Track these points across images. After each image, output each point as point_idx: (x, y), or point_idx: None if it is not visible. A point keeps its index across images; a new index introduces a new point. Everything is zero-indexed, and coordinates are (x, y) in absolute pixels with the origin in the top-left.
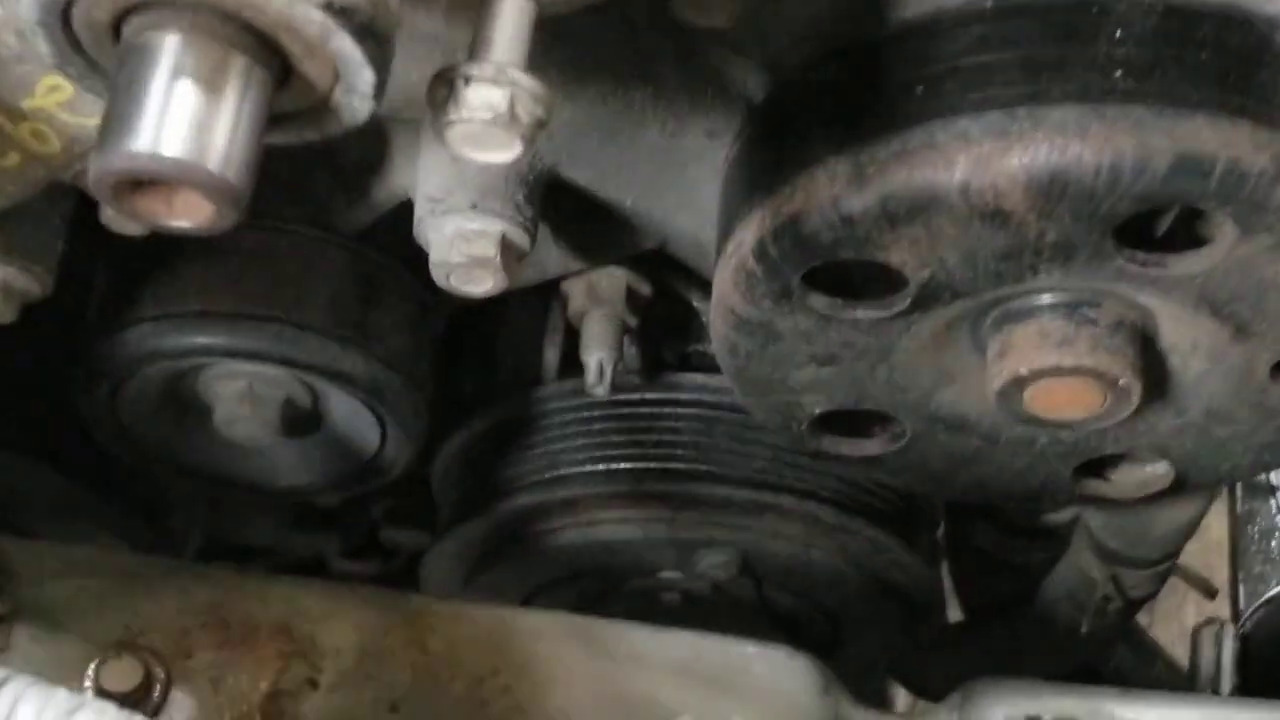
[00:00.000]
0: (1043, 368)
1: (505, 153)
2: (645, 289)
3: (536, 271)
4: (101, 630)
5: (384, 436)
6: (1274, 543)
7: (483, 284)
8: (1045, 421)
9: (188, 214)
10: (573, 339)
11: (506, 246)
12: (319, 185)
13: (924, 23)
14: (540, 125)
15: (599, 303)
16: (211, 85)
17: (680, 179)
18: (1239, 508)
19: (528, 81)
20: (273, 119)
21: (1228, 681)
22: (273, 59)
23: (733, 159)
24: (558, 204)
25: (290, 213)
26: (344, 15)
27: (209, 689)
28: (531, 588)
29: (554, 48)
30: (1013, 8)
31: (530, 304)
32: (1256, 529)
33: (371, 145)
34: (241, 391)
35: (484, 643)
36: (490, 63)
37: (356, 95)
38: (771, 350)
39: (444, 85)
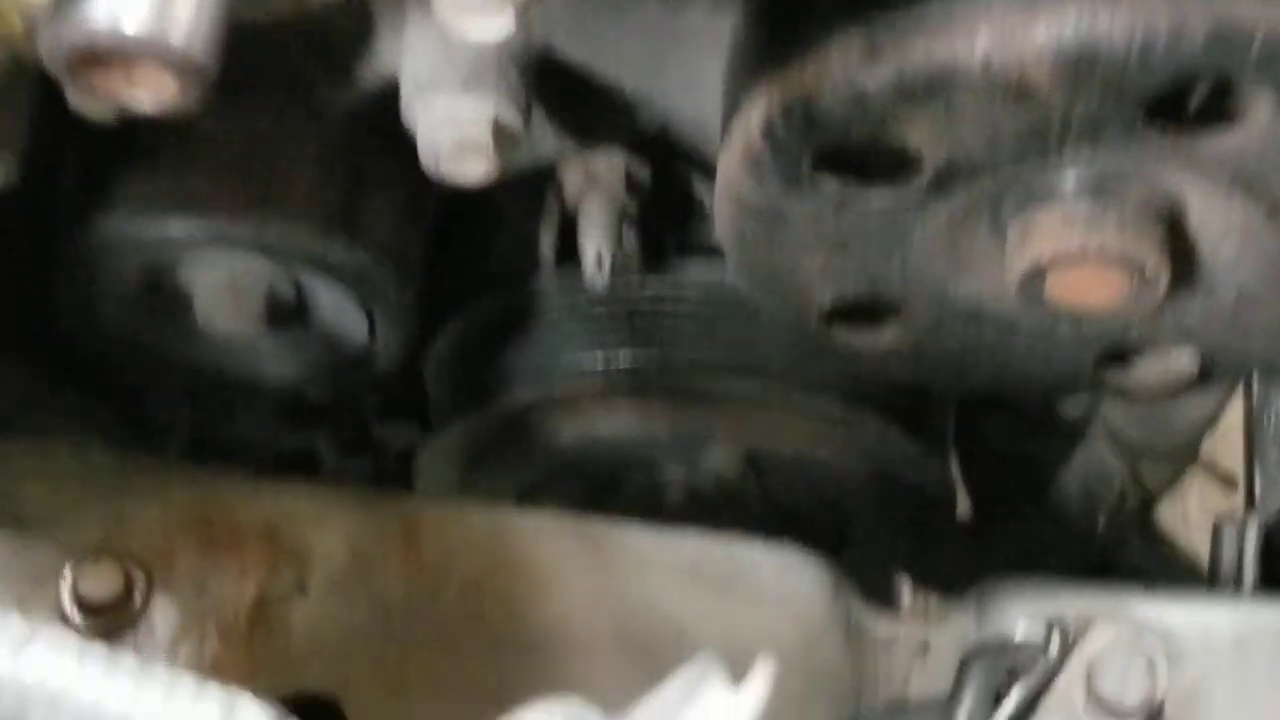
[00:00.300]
0: (1067, 251)
1: (496, 23)
2: (645, 174)
3: (530, 156)
4: (78, 535)
5: (372, 329)
6: None
7: (474, 169)
8: (1068, 311)
9: (149, 90)
10: (570, 227)
11: (499, 129)
12: (302, 66)
13: None
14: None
15: (597, 188)
16: None
17: (682, 57)
18: (1255, 392)
19: None
20: None
21: (1250, 577)
22: None
23: (738, 34)
24: (552, 84)
25: (272, 96)
26: None
27: (192, 595)
28: (528, 486)
29: None
30: None
31: (525, 190)
32: (1275, 414)
33: (356, 22)
34: (222, 282)
35: (480, 546)
36: None
37: None
38: (780, 237)
39: None
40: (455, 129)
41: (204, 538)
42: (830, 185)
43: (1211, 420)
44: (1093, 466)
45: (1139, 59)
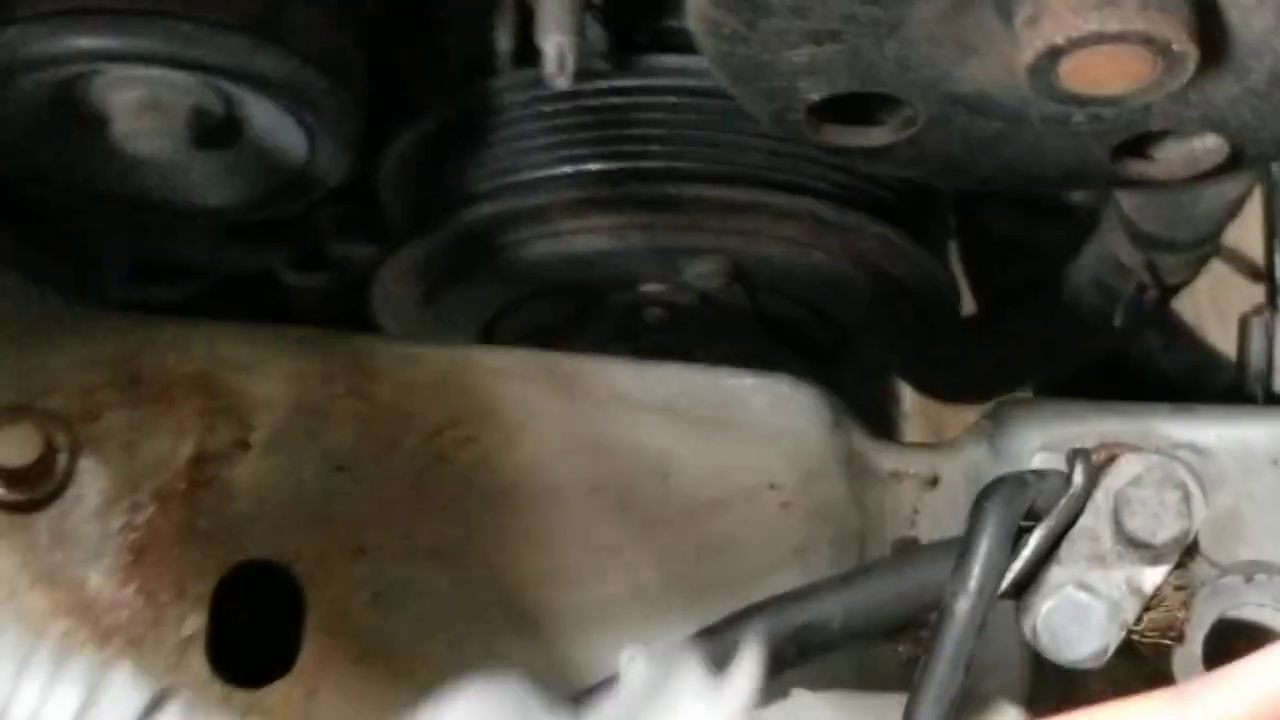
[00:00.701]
0: (1083, 35)
1: None
2: None
3: None
4: None
5: (313, 144)
6: None
7: None
8: (1085, 98)
9: None
10: (528, 20)
11: None
12: None
13: None
14: None
15: None
16: None
17: None
18: (1275, 178)
19: None
20: None
21: None
22: None
23: None
24: None
25: None
26: None
27: (123, 456)
28: (498, 306)
29: None
30: None
31: None
32: None
33: None
34: (141, 100)
35: (440, 388)
36: None
37: None
38: (761, 28)
39: None
40: None
41: (132, 392)
42: None
43: (1235, 209)
44: (1106, 259)
45: None
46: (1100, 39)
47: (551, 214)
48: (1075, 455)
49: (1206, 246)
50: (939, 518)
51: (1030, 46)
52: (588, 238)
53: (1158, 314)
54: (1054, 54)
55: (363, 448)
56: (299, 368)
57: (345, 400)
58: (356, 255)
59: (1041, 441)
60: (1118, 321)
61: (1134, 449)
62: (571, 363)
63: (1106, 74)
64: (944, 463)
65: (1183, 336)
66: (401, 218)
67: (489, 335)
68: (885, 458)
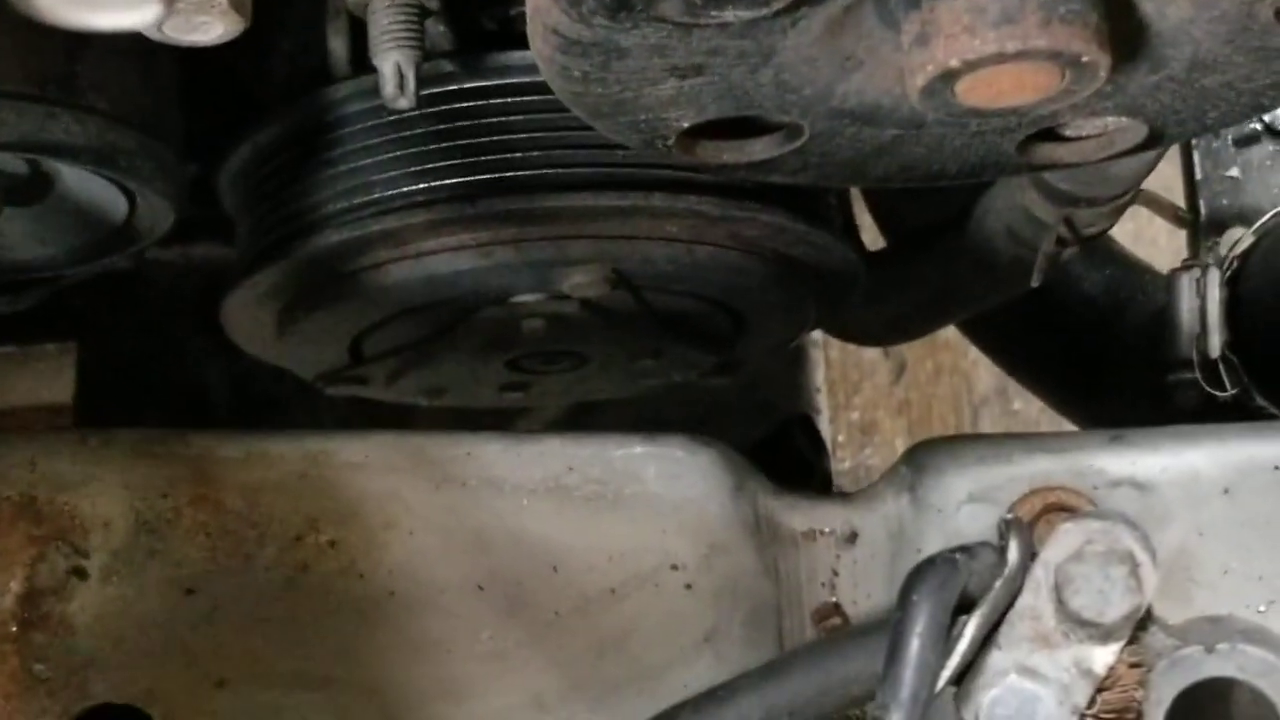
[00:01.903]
0: (980, 57)
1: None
2: None
3: None
4: None
5: (132, 200)
6: (1233, 148)
7: (211, 30)
8: (986, 112)
9: None
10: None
11: None
12: None
13: None
14: None
15: None
16: None
17: None
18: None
19: None
20: None
21: (1216, 340)
22: None
23: None
24: None
25: None
26: None
27: None
28: (362, 326)
29: None
30: None
31: None
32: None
33: None
34: None
35: (293, 489)
36: None
37: None
38: (616, 70)
39: None
40: None
41: None
42: (671, 7)
43: (1154, 162)
44: (1018, 209)
45: None
46: (1000, 59)
47: (406, 236)
48: (1008, 526)
49: (1125, 197)
50: (860, 578)
51: (921, 70)
52: (448, 257)
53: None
54: (948, 77)
55: (213, 565)
56: (135, 479)
57: (189, 511)
58: (208, 255)
59: (968, 491)
60: (1035, 280)
61: (1070, 497)
62: (438, 447)
63: (1009, 89)
64: (862, 517)
65: (1102, 252)
66: (248, 233)
67: (356, 350)
68: (797, 517)
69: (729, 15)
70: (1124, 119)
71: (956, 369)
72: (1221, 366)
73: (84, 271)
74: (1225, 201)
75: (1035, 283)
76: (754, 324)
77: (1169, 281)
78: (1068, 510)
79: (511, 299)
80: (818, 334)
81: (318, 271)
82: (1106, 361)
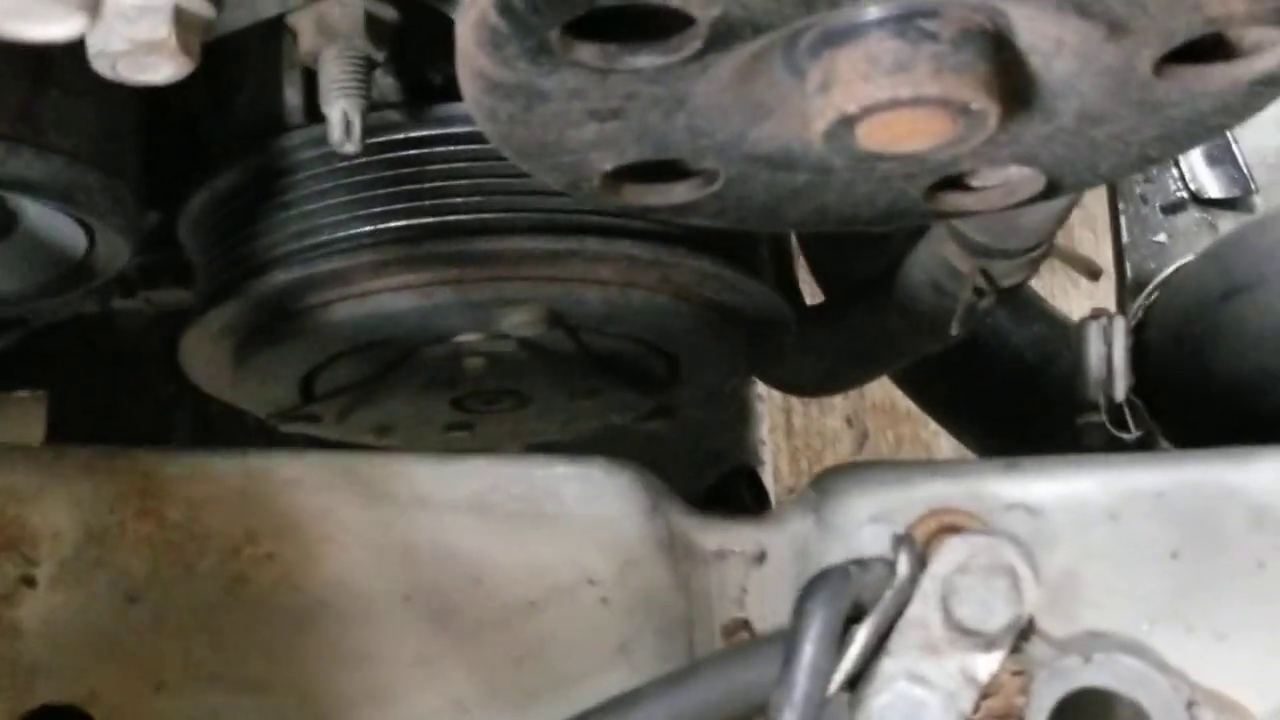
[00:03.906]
0: (876, 102)
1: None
2: (389, 12)
3: (248, 13)
4: None
5: (91, 236)
6: (1160, 214)
7: (159, 70)
8: (886, 155)
9: None
10: (316, 78)
11: (183, 21)
12: None
13: None
14: None
15: (333, 39)
16: None
17: None
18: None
19: None
20: None
21: (1121, 384)
22: None
23: None
24: None
25: None
26: None
27: None
28: (312, 363)
29: None
30: None
31: (261, 42)
32: (1139, 201)
33: None
34: None
35: (233, 503)
36: None
37: None
38: (539, 112)
39: None
40: (127, 29)
41: None
42: (588, 53)
43: (1063, 216)
44: (940, 262)
45: None
46: (894, 104)
47: (353, 276)
48: (899, 542)
49: (1038, 250)
50: (768, 595)
51: (822, 115)
52: (392, 297)
53: (994, 312)
54: (847, 121)
55: (156, 574)
56: (83, 493)
57: (134, 524)
58: (168, 299)
59: (869, 512)
60: (955, 329)
61: (963, 519)
62: (370, 466)
63: (905, 134)
64: (770, 538)
65: (1030, 309)
66: (206, 274)
67: (308, 389)
68: (709, 536)
69: (642, 61)
70: (1025, 169)
71: (917, 439)
72: (1126, 410)
73: (47, 308)
74: (1152, 265)
75: (955, 331)
76: (687, 367)
77: (1078, 330)
78: (961, 531)
79: (454, 338)
80: (764, 390)
81: (269, 309)
82: (1033, 412)
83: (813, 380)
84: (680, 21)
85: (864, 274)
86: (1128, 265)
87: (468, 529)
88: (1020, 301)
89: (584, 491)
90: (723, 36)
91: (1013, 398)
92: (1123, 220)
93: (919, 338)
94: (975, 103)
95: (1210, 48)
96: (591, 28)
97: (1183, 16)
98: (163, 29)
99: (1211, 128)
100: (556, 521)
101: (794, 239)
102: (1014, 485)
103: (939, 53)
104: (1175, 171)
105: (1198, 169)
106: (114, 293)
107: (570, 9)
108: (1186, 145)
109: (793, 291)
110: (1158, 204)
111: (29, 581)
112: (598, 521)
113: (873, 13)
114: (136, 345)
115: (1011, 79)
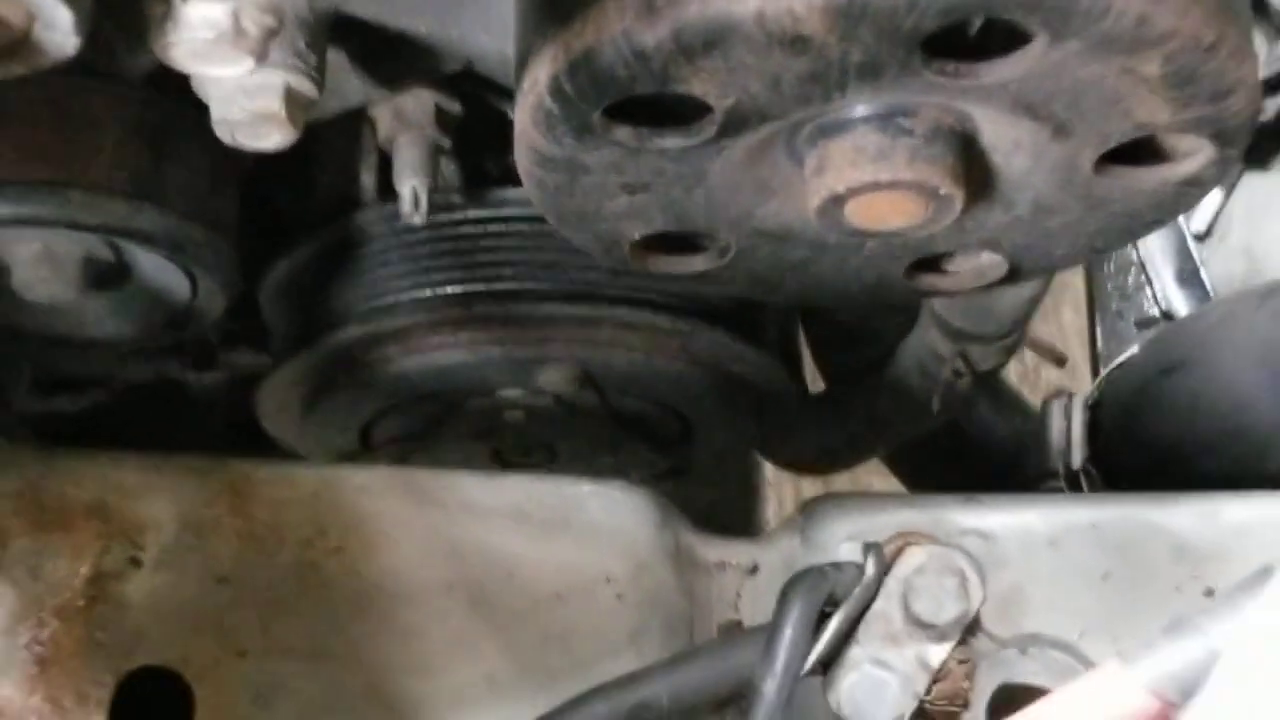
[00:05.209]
0: (860, 184)
1: (235, 68)
2: (455, 107)
3: (339, 102)
4: None
5: (194, 285)
6: (1134, 328)
7: (269, 138)
8: (869, 232)
9: None
10: (390, 160)
11: (291, 98)
12: (97, 31)
13: None
14: (272, 34)
15: (407, 127)
16: None
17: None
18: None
19: None
20: None
21: (1078, 454)
22: None
23: None
24: (350, 34)
25: (71, 64)
26: None
27: (27, 578)
28: (372, 413)
29: None
30: None
31: (344, 129)
32: (1115, 316)
33: None
34: (38, 254)
35: (309, 504)
36: None
37: (58, 31)
38: (581, 183)
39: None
40: (247, 101)
41: (35, 520)
42: (623, 134)
43: (1034, 303)
44: (926, 348)
45: (907, 2)
46: (875, 186)
47: (413, 333)
48: (868, 548)
49: (1012, 337)
50: (759, 601)
51: (816, 194)
52: (447, 352)
53: (974, 396)
54: (837, 200)
55: (241, 561)
56: (183, 491)
57: (226, 519)
58: (245, 362)
59: (847, 533)
60: (935, 406)
61: (925, 539)
62: (426, 477)
63: (885, 213)
64: (762, 553)
65: (1010, 408)
66: (283, 334)
67: (366, 437)
68: (710, 550)
69: (668, 142)
70: (991, 254)
71: None
72: (1082, 476)
73: (134, 369)
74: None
75: (935, 409)
76: (699, 430)
77: (1043, 408)
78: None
79: (496, 392)
80: (771, 473)
81: (338, 361)
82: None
83: (812, 458)
84: (700, 109)
85: (861, 363)
86: (1102, 370)
87: (505, 532)
88: (1002, 401)
89: (605, 506)
90: (735, 124)
91: (992, 482)
92: (1099, 331)
93: (909, 418)
94: (943, 188)
95: (1147, 151)
96: (627, 112)
97: (1115, 122)
98: (275, 103)
99: (1148, 223)
100: (581, 529)
101: (801, 333)
102: (971, 515)
103: (914, 145)
104: (1149, 291)
105: (1169, 289)
106: (196, 361)
107: (610, 95)
108: (1127, 238)
109: (796, 369)
110: (1132, 319)
111: (135, 563)
112: (616, 531)
113: (860, 110)
114: (204, 408)
115: (975, 171)
